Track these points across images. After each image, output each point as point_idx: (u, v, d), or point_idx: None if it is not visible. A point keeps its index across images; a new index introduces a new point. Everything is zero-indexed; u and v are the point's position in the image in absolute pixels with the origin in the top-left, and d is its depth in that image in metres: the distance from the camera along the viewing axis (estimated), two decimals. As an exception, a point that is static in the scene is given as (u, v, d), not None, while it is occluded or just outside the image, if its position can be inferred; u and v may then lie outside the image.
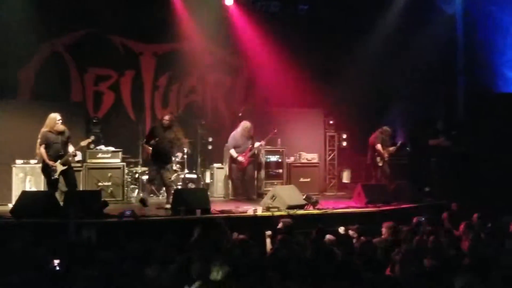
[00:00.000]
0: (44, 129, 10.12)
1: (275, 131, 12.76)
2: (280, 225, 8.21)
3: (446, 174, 12.98)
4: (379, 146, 12.91)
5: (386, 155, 12.91)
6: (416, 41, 14.43)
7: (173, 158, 11.75)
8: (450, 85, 14.64)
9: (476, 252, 6.69)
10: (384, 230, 8.11)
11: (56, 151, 10.07)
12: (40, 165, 10.66)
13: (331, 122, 14.64)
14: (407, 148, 14.20)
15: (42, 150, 10.03)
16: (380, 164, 12.96)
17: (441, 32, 14.51)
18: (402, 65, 14.78)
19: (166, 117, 11.18)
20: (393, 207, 10.93)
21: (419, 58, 14.46)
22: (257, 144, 12.43)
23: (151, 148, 11.23)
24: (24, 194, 9.84)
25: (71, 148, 10.24)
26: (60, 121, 10.16)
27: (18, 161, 11.54)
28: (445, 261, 5.98)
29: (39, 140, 10.08)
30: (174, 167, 12.71)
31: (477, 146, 12.76)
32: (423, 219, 8.97)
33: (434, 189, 12.66)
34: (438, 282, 5.26)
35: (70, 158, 10.30)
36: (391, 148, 13.04)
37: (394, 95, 15.26)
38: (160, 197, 12.42)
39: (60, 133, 10.14)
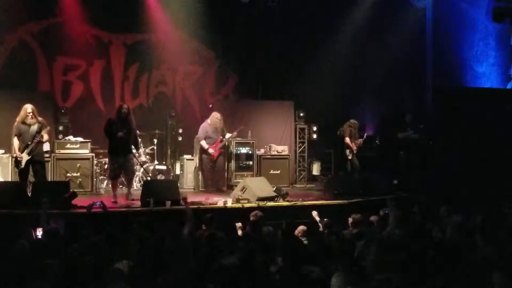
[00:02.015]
0: (17, 120, 9.98)
1: (242, 127, 12.73)
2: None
3: (414, 167, 13.14)
4: (347, 140, 13.01)
5: (354, 147, 13.02)
6: (386, 35, 14.57)
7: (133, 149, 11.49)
8: (419, 78, 14.81)
9: (441, 244, 6.80)
10: (351, 222, 8.20)
11: (25, 142, 9.90)
12: (7, 155, 10.83)
13: (301, 114, 14.69)
14: (376, 141, 14.33)
15: (14, 141, 9.92)
16: (350, 157, 13.06)
17: (411, 26, 14.68)
18: (372, 58, 14.90)
19: (125, 106, 10.60)
20: (361, 199, 11.04)
21: (389, 51, 14.60)
22: (228, 135, 12.43)
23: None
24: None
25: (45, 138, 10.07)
26: (31, 113, 9.94)
27: (-15, 151, 11.37)
28: (413, 254, 6.05)
29: (13, 131, 9.98)
30: (144, 158, 12.64)
31: (445, 140, 12.93)
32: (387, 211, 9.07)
33: (402, 182, 12.80)
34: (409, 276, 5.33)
35: (37, 146, 9.97)
36: (359, 141, 13.15)
37: (364, 88, 15.37)
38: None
39: (32, 125, 9.97)
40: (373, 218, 8.21)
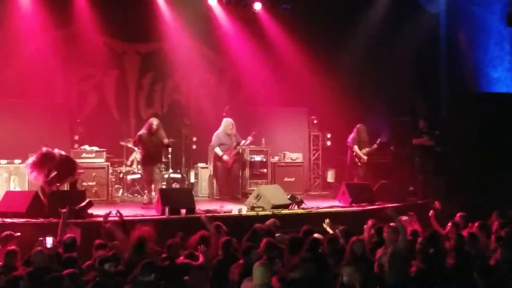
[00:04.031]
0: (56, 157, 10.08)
1: (254, 133, 12.73)
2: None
3: (430, 174, 13.05)
4: (355, 148, 12.97)
5: (364, 156, 12.94)
6: (399, 40, 14.51)
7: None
8: (433, 84, 14.73)
9: (460, 251, 6.76)
10: (366, 228, 8.16)
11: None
12: (23, 165, 10.85)
13: (315, 121, 14.67)
14: (391, 147, 14.26)
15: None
16: (360, 164, 13.01)
17: (424, 31, 14.59)
18: (385, 64, 14.83)
19: (155, 124, 11.28)
20: (377, 207, 11.00)
21: (403, 57, 14.53)
22: (242, 142, 12.44)
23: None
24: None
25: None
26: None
27: (2, 161, 11.41)
28: (431, 263, 6.02)
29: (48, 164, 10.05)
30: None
31: (460, 146, 12.85)
32: (406, 218, 9.01)
33: (417, 188, 12.73)
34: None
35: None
36: (368, 149, 13.06)
37: (378, 94, 15.30)
38: (145, 197, 12.39)
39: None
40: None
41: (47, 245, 7.12)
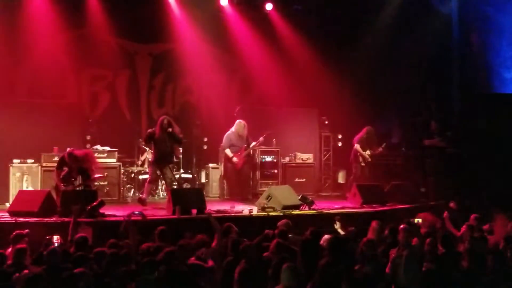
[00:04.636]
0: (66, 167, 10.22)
1: (265, 134, 12.74)
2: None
3: (441, 175, 13.00)
4: (357, 146, 12.99)
5: (368, 157, 12.94)
6: (411, 41, 14.45)
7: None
8: (446, 85, 14.67)
9: (473, 253, 6.73)
10: (371, 229, 8.13)
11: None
12: (36, 164, 11.19)
13: (326, 122, 14.65)
14: (402, 149, 14.22)
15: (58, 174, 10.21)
16: (363, 164, 13.02)
17: (436, 32, 14.53)
18: (397, 65, 14.79)
19: (165, 122, 11.04)
20: (388, 208, 10.97)
21: (414, 58, 14.49)
22: (253, 144, 12.45)
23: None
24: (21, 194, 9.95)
25: None
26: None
27: (15, 161, 11.47)
28: (441, 264, 6.01)
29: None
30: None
31: (472, 147, 12.80)
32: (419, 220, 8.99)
33: (429, 189, 12.68)
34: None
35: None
36: (371, 152, 13.05)
37: (390, 95, 15.26)
38: (156, 197, 12.48)
39: None
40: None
41: (53, 244, 7.18)
